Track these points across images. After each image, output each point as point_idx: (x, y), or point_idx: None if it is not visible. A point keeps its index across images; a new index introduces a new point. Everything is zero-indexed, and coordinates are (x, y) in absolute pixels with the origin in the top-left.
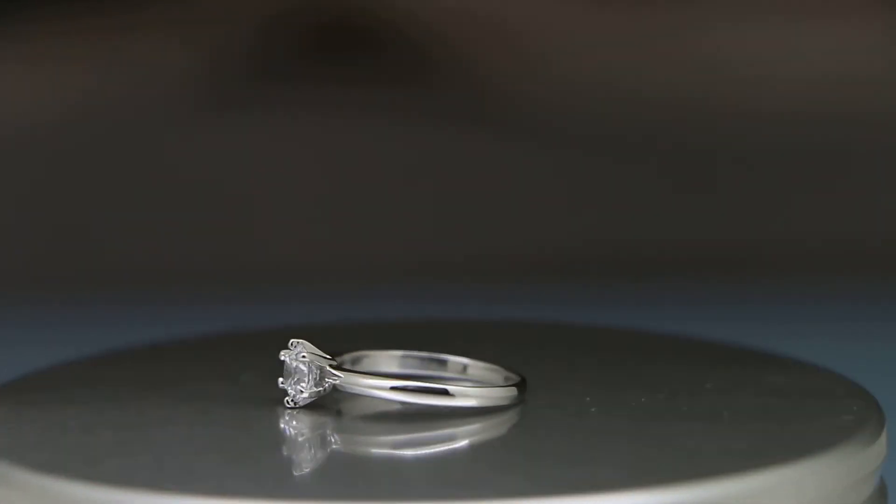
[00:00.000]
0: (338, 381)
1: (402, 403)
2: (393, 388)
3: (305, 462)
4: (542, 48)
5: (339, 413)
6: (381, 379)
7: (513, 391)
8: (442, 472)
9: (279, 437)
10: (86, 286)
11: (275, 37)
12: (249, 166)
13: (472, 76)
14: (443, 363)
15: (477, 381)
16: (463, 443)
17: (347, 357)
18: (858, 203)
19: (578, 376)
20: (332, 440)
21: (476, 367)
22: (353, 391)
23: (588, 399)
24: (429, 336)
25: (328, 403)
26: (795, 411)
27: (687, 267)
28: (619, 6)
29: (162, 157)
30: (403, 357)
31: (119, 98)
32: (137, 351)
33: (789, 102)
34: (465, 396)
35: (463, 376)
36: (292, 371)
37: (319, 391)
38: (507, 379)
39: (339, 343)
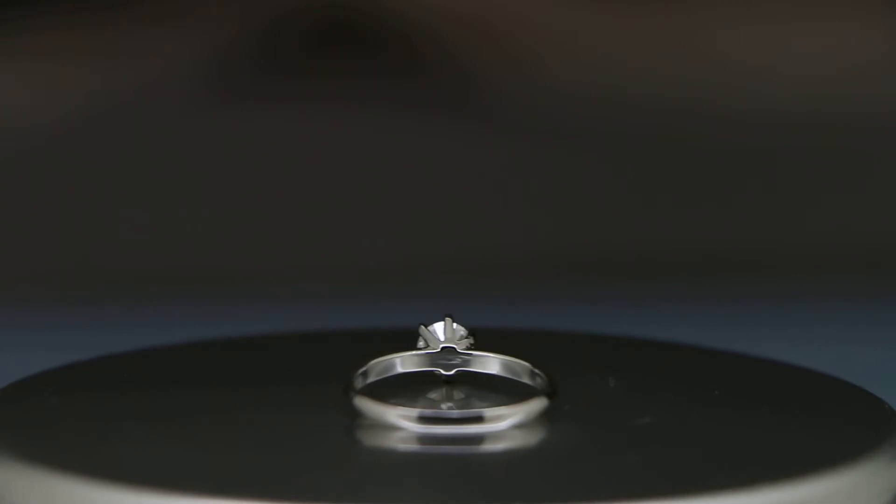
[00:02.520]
0: (365, 412)
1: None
2: (422, 419)
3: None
4: (538, 45)
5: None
6: (409, 409)
7: (545, 401)
8: (482, 477)
9: (299, 436)
10: (90, 286)
11: (272, 34)
12: (246, 164)
13: (473, 77)
14: (468, 357)
15: (504, 377)
16: (502, 448)
17: (372, 365)
18: (860, 203)
19: (594, 386)
20: (364, 439)
21: (503, 362)
22: (382, 421)
23: (599, 409)
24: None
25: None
26: (814, 425)
27: (689, 269)
28: (614, 4)
29: (160, 155)
30: (425, 356)
31: (120, 96)
32: (148, 352)
33: (789, 103)
34: (498, 419)
35: (488, 371)
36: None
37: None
38: (532, 376)
39: (360, 347)
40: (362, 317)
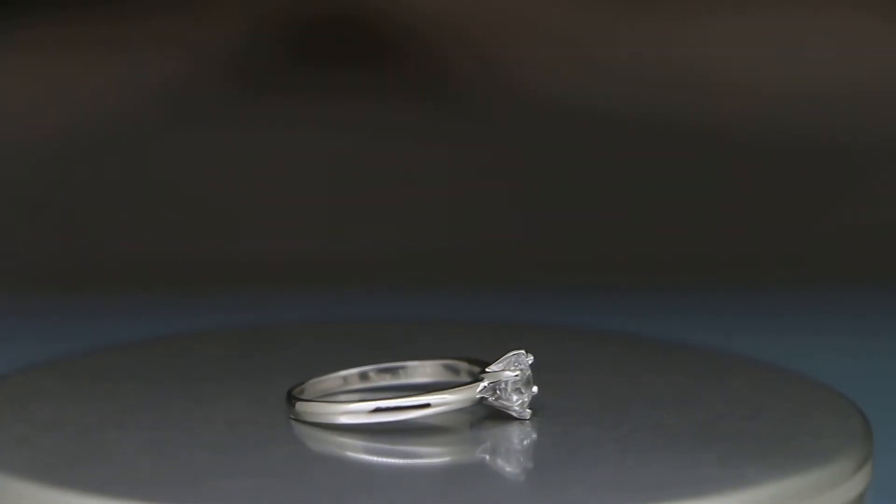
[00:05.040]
0: (308, 415)
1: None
2: (376, 411)
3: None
4: (536, 46)
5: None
6: (359, 403)
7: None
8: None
9: (264, 448)
10: (81, 285)
11: (272, 37)
12: (247, 166)
13: (468, 74)
14: (400, 370)
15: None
16: (476, 457)
17: (309, 384)
18: (857, 205)
19: (568, 383)
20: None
21: (436, 366)
22: (329, 422)
23: (575, 410)
24: (425, 337)
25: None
26: (780, 429)
27: (682, 269)
28: (610, 6)
29: (161, 158)
30: (361, 374)
31: (119, 100)
32: (119, 350)
33: (789, 102)
34: (445, 404)
35: (426, 379)
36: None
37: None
38: (470, 373)
39: (327, 343)
40: (360, 314)
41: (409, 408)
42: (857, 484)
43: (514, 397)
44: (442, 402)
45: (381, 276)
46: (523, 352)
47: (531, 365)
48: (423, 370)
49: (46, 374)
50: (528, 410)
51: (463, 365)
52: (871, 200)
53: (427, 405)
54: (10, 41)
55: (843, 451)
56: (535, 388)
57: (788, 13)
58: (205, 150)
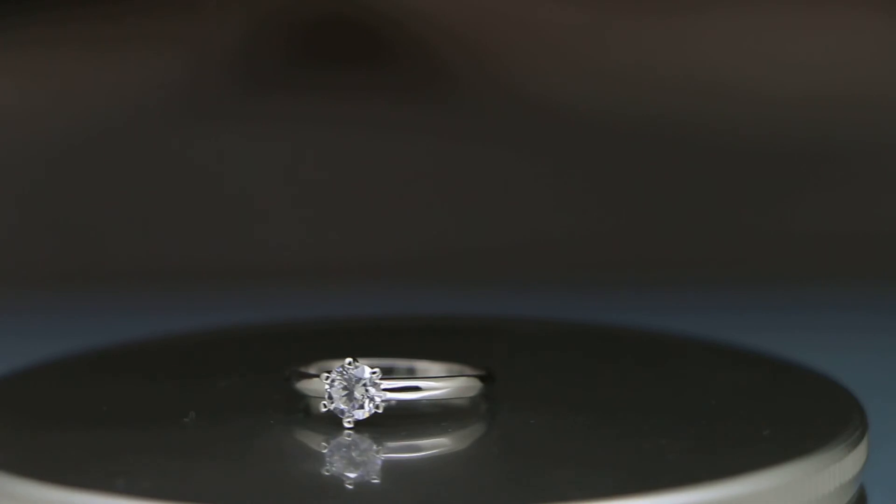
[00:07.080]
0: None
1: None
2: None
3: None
4: (543, 46)
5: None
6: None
7: (478, 382)
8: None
9: (255, 446)
10: (80, 285)
11: (270, 35)
12: (246, 166)
13: (468, 73)
14: (408, 369)
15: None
16: (452, 449)
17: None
18: (856, 203)
19: (558, 375)
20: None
21: (439, 369)
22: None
23: (563, 402)
24: (411, 335)
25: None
26: (774, 415)
27: (679, 266)
28: (610, 7)
29: (161, 157)
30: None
31: (119, 99)
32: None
33: (790, 102)
34: (434, 389)
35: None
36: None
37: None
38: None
39: (313, 343)
40: (359, 311)
41: (399, 389)
42: (849, 468)
43: (346, 404)
44: (430, 387)
45: (380, 277)
46: (348, 361)
47: (364, 379)
48: (431, 371)
49: (45, 374)
50: (350, 424)
51: (467, 370)
52: (871, 200)
53: (417, 388)
54: (5, 41)
55: (835, 436)
56: (376, 407)
57: (787, 11)
58: (205, 151)
